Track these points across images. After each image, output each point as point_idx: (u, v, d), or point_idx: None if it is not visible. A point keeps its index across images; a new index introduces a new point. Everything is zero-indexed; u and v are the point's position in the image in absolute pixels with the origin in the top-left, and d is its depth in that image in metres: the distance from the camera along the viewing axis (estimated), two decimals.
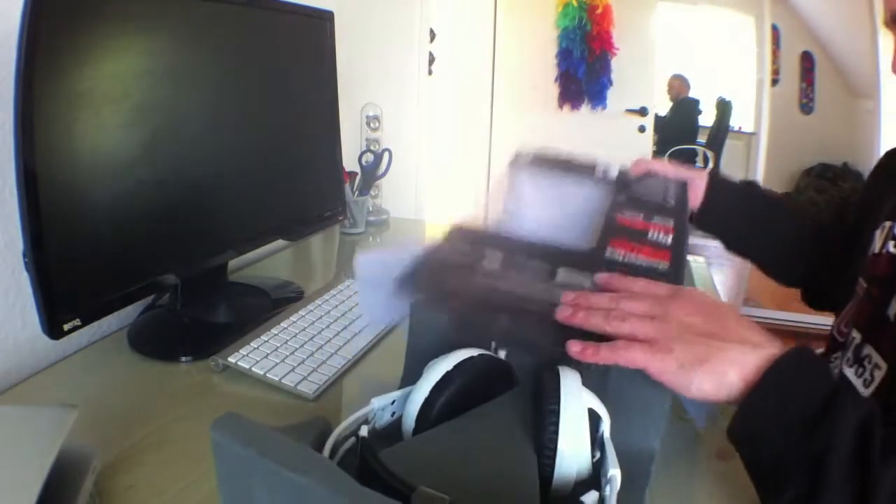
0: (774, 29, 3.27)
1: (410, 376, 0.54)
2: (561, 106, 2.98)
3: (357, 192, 1.26)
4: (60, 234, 0.57)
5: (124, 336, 0.75)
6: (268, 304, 0.86)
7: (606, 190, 0.68)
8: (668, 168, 0.75)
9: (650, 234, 0.59)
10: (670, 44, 3.54)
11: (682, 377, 0.42)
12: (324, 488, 0.33)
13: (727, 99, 3.91)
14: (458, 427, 0.46)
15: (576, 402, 0.44)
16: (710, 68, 3.97)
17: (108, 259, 0.64)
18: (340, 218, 1.07)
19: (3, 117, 0.65)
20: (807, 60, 3.64)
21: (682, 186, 0.71)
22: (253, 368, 0.67)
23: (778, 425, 0.41)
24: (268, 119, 0.87)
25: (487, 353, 0.52)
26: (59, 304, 0.57)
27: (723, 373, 0.42)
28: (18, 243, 0.57)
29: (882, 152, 0.76)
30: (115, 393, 0.66)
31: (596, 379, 0.48)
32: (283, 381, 0.66)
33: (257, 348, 0.71)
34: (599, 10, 2.83)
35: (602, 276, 0.51)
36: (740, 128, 3.93)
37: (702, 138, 3.97)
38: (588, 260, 0.55)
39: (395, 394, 0.52)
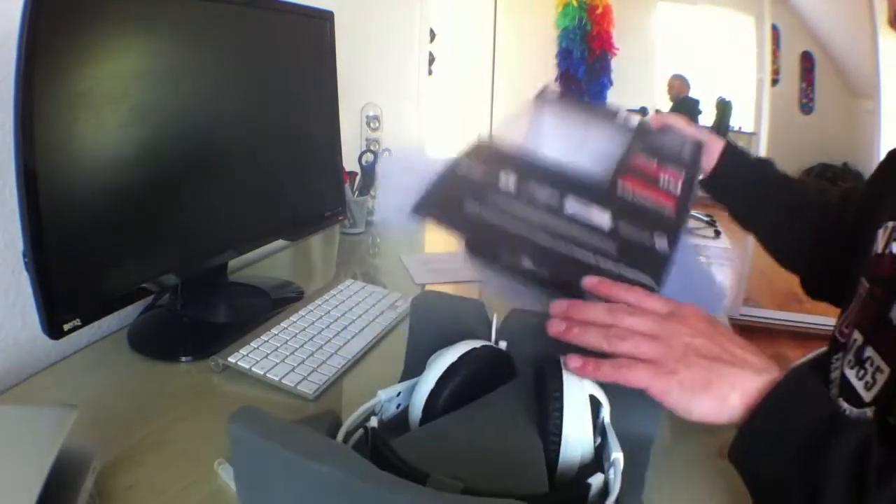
0: (774, 29, 3.27)
1: (411, 370, 0.55)
2: None
3: (357, 192, 1.26)
4: (60, 234, 0.57)
5: (124, 336, 0.75)
6: (268, 304, 0.86)
7: (626, 136, 0.70)
8: (687, 126, 0.77)
9: (661, 180, 0.60)
10: (670, 44, 3.54)
11: (684, 399, 0.43)
12: (346, 475, 0.34)
13: (727, 99, 3.90)
14: (464, 417, 0.47)
15: (577, 389, 0.46)
16: (710, 68, 3.95)
17: (108, 259, 0.64)
18: (340, 218, 1.07)
19: (3, 117, 0.65)
20: (807, 60, 3.64)
21: (698, 146, 0.73)
22: (253, 368, 0.68)
23: (777, 449, 0.42)
24: (268, 119, 0.87)
25: (489, 343, 0.53)
26: (59, 304, 0.57)
27: (725, 396, 0.43)
28: (18, 243, 0.57)
29: (882, 152, 0.76)
30: (114, 393, 0.66)
31: None
32: (283, 381, 0.66)
33: (257, 348, 0.71)
34: (599, 10, 2.83)
35: (590, 281, 0.49)
36: (740, 128, 3.91)
37: None
38: (599, 192, 0.56)
39: (401, 386, 0.52)
